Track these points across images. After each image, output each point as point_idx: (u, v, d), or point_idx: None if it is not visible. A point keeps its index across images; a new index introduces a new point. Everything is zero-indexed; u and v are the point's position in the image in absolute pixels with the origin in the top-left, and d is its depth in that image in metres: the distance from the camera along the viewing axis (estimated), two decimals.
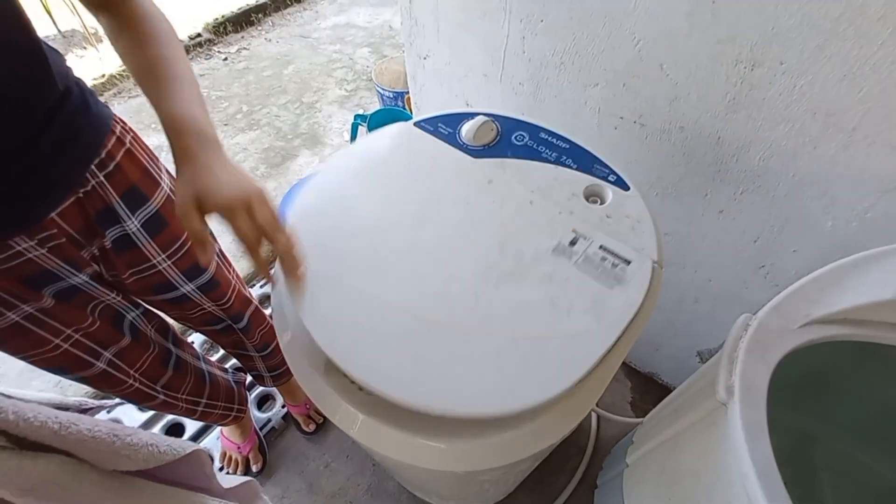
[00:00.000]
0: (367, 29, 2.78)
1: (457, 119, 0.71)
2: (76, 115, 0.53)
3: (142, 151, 0.64)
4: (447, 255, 0.57)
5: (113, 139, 0.59)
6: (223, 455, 1.17)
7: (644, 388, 1.28)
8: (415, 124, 0.72)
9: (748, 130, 0.70)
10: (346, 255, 0.58)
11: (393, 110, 1.60)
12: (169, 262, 0.70)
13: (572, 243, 0.58)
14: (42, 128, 0.49)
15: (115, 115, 0.61)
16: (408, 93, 1.80)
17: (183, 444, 0.35)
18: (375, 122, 1.52)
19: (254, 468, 1.15)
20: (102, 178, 0.58)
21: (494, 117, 0.70)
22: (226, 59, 2.57)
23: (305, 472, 1.17)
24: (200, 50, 2.59)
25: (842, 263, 0.56)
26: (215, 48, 2.62)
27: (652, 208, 0.61)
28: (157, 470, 0.34)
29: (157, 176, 0.66)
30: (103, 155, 0.57)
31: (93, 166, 0.56)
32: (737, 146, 0.72)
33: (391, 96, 1.87)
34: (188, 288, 0.76)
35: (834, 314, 0.54)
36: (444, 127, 0.71)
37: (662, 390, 1.26)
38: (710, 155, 0.76)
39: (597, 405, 1.23)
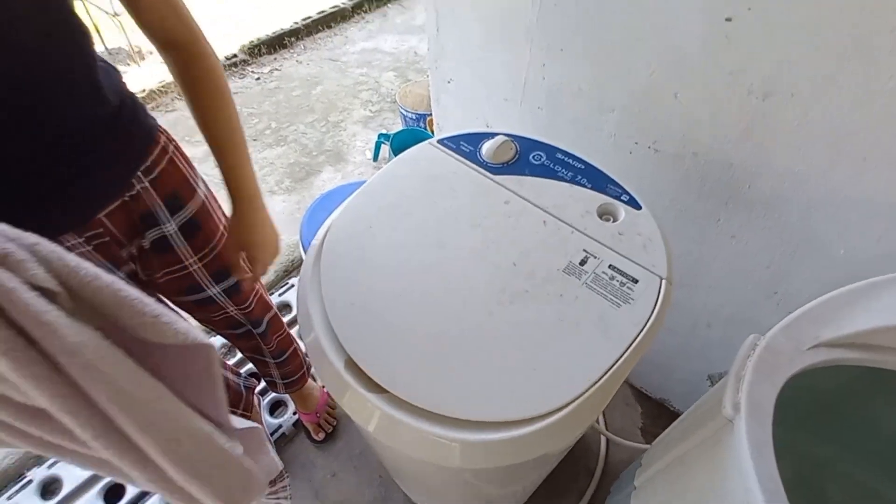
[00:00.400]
0: (394, 54, 2.89)
1: (477, 138, 0.75)
2: (127, 126, 0.59)
3: (182, 160, 0.70)
4: (465, 273, 0.60)
5: (158, 148, 0.64)
6: None
7: (655, 413, 1.26)
8: (438, 142, 0.76)
9: (760, 157, 0.72)
10: (372, 271, 0.61)
11: (415, 131, 1.66)
12: (199, 265, 0.75)
13: (582, 262, 0.60)
14: (96, 138, 0.55)
15: (160, 126, 0.67)
16: (430, 115, 1.86)
17: (194, 333, 0.35)
18: (398, 141, 1.58)
19: None
20: (147, 184, 0.63)
21: (514, 137, 0.74)
22: (258, 78, 2.70)
23: (313, 480, 1.17)
24: (235, 69, 2.73)
25: (852, 288, 0.57)
26: (249, 68, 2.75)
27: (663, 227, 0.63)
28: (168, 368, 0.34)
29: (194, 183, 0.71)
30: (149, 162, 0.63)
31: (139, 172, 0.62)
32: (749, 172, 0.74)
33: (413, 118, 1.94)
34: (214, 290, 0.80)
35: (843, 337, 0.54)
36: (466, 145, 0.74)
37: (673, 416, 1.24)
38: (723, 180, 0.78)
39: (606, 429, 1.21)
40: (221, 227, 0.76)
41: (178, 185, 0.68)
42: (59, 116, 0.51)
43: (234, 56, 2.74)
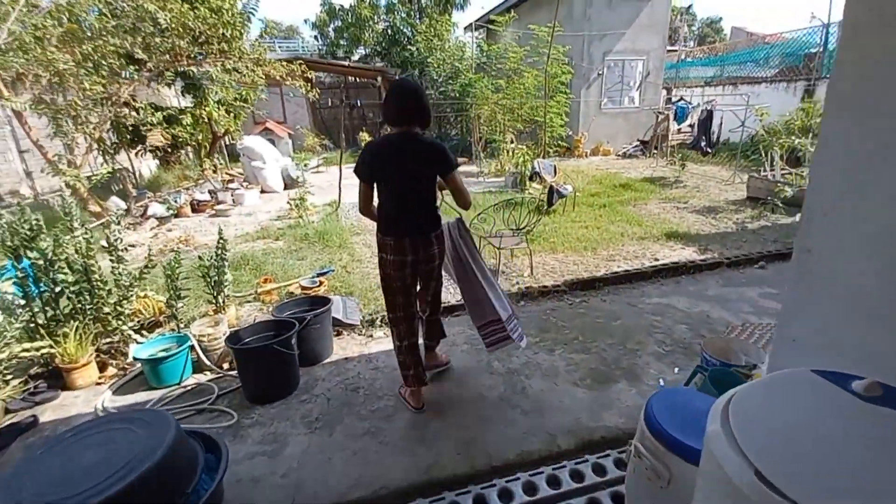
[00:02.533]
0: (686, 312, 3.43)
1: (848, 377, 1.12)
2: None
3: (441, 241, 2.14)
4: (846, 441, 0.93)
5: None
6: None
7: None
8: (813, 370, 1.16)
9: None
10: (772, 418, 1.02)
11: (728, 370, 2.02)
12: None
13: None
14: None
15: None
16: (732, 365, 2.20)
17: None
18: (715, 374, 1.96)
19: None
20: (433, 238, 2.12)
21: (883, 385, 1.08)
22: (571, 304, 3.61)
23: None
24: (555, 295, 3.74)
25: None
26: (565, 296, 3.74)
27: None
28: None
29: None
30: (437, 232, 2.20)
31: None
32: None
33: (715, 363, 2.30)
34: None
35: None
36: (838, 378, 1.12)
37: None
38: None
39: None
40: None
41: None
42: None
43: (558, 286, 3.80)
